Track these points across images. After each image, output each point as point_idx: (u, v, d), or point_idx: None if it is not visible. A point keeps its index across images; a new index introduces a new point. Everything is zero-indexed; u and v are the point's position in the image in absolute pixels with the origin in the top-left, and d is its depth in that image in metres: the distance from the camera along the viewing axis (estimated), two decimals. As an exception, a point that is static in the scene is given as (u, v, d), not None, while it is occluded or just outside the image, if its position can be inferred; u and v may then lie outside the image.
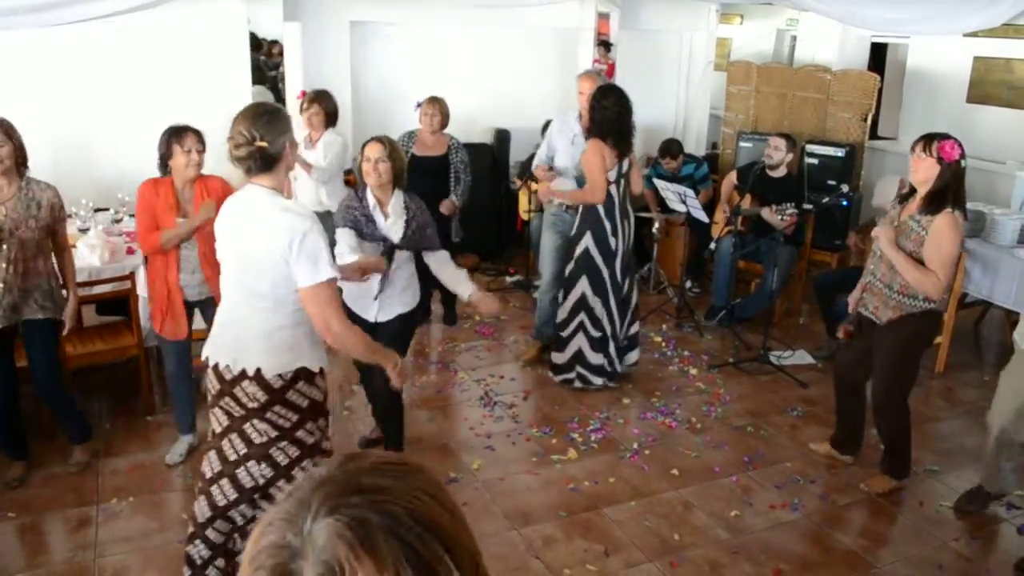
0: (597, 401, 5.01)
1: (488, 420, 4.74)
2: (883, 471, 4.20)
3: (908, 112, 8.23)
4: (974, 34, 7.23)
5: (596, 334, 4.98)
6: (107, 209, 5.48)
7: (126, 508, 3.86)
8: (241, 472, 2.89)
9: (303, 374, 2.81)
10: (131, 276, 4.57)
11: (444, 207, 5.51)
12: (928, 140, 3.73)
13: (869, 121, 7.21)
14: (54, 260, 4.00)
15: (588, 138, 4.84)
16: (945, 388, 5.39)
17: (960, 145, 3.69)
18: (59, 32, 5.68)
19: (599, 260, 4.88)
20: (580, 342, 5.01)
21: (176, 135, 3.94)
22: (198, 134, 3.98)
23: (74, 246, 4.85)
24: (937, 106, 7.85)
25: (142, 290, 4.67)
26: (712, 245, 5.83)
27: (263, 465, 2.86)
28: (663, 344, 5.88)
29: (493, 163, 7.52)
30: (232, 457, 2.88)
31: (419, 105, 5.56)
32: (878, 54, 9.13)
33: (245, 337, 2.78)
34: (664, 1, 8.19)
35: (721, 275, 6.11)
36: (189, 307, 4.09)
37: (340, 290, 3.42)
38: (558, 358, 5.12)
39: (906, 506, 4.08)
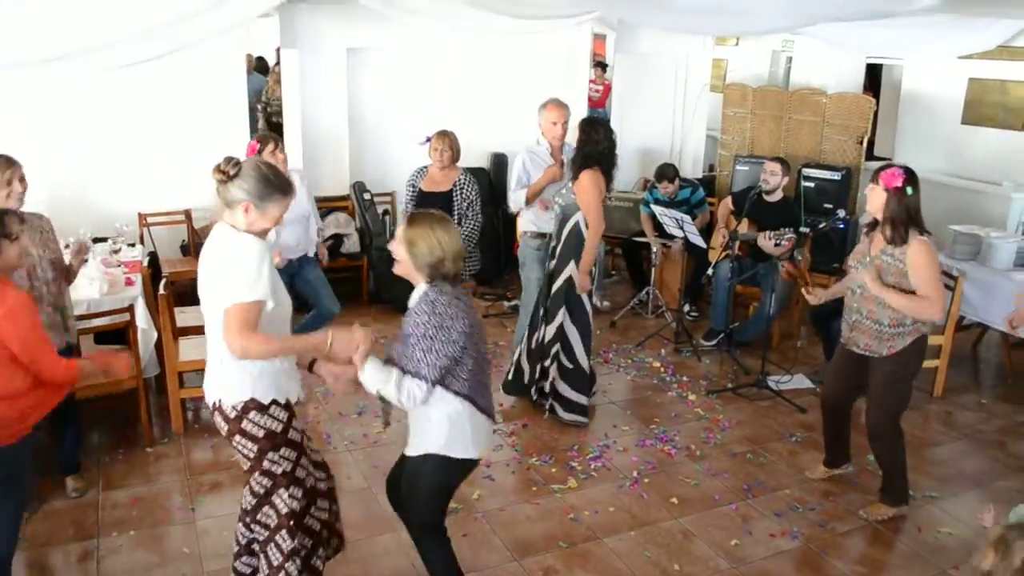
0: (596, 428, 5.02)
1: (487, 449, 4.74)
2: (881, 499, 4.21)
3: (904, 133, 8.30)
4: (969, 56, 7.31)
5: (568, 365, 4.95)
6: (105, 239, 5.49)
7: (127, 542, 3.86)
8: (253, 481, 3.06)
9: (253, 404, 2.90)
10: (130, 308, 4.57)
11: None
12: (877, 171, 3.86)
13: (865, 144, 7.25)
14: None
15: (576, 170, 4.73)
16: (943, 412, 5.40)
17: (907, 173, 3.75)
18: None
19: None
20: (554, 372, 4.98)
21: None
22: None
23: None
24: (932, 127, 7.91)
25: (141, 321, 4.70)
26: (710, 270, 5.85)
27: (264, 478, 3.01)
28: (662, 369, 5.89)
29: (490, 187, 7.56)
30: (245, 467, 3.08)
31: (428, 139, 5.51)
32: (873, 74, 9.21)
33: (210, 370, 2.95)
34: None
35: (719, 300, 6.13)
36: None
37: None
38: (542, 384, 5.09)
39: (904, 533, 4.08)
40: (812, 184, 7.02)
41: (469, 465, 3.07)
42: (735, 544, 3.92)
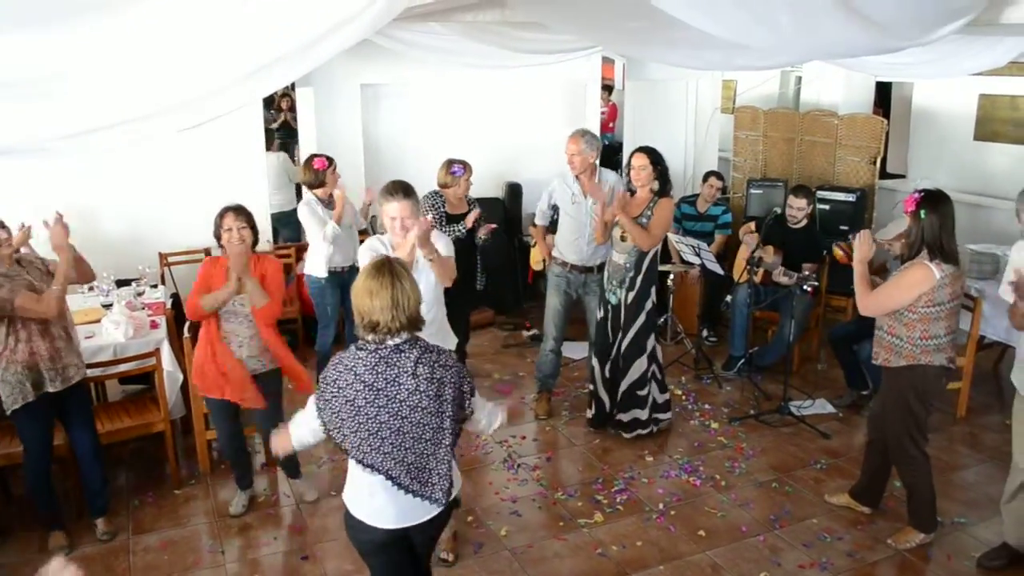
0: (620, 459, 5.03)
1: (513, 483, 4.76)
2: (909, 523, 4.20)
3: (916, 150, 8.29)
4: (979, 72, 7.30)
5: (659, 376, 5.27)
6: (129, 283, 5.54)
7: (158, 588, 3.89)
8: None
9: None
10: (156, 352, 4.62)
11: (485, 231, 5.63)
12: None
13: (878, 164, 7.26)
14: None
15: (658, 196, 4.91)
16: (967, 434, 5.38)
17: (923, 197, 3.83)
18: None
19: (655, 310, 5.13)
20: (653, 391, 5.20)
21: (219, 214, 4.14)
22: (238, 212, 4.10)
23: (97, 321, 4.96)
24: (945, 144, 7.90)
25: (167, 364, 4.74)
26: (728, 298, 5.87)
27: None
28: (683, 397, 5.89)
29: (506, 217, 7.60)
30: None
31: (460, 172, 5.56)
32: (883, 90, 9.22)
33: None
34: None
35: (738, 325, 6.13)
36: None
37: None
38: (638, 414, 5.17)
39: (934, 561, 4.06)
40: (827, 207, 7.02)
41: None
42: (764, 577, 3.92)
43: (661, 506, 4.51)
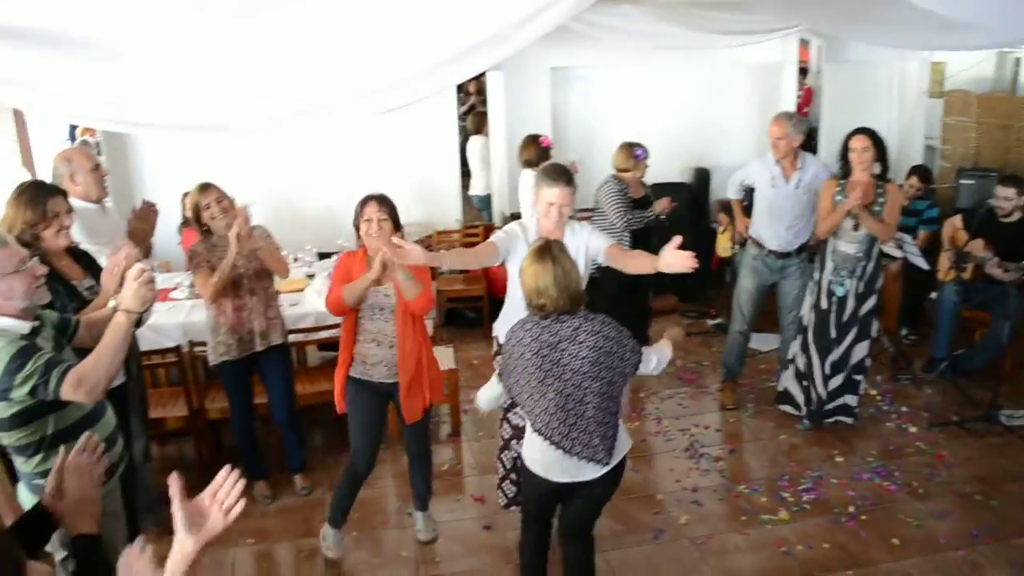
0: (808, 457, 4.83)
1: (694, 473, 4.69)
2: None
3: None
4: None
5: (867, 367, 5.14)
6: (329, 255, 5.86)
7: (350, 542, 4.12)
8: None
9: None
10: (354, 321, 4.86)
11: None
12: None
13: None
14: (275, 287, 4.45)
15: (882, 181, 4.73)
16: None
17: None
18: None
19: None
20: (864, 382, 5.14)
21: (361, 202, 3.74)
22: (381, 202, 3.71)
23: (301, 290, 5.28)
24: None
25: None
26: (933, 294, 5.48)
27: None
28: (878, 398, 5.57)
29: (692, 202, 7.45)
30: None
31: (644, 155, 5.55)
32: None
33: None
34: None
35: (944, 324, 5.72)
36: (376, 388, 3.91)
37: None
38: (848, 400, 5.09)
39: None
40: (1050, 199, 6.40)
41: None
42: (966, 594, 3.67)
43: (851, 509, 4.29)
